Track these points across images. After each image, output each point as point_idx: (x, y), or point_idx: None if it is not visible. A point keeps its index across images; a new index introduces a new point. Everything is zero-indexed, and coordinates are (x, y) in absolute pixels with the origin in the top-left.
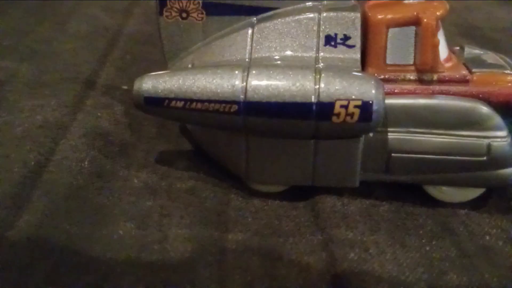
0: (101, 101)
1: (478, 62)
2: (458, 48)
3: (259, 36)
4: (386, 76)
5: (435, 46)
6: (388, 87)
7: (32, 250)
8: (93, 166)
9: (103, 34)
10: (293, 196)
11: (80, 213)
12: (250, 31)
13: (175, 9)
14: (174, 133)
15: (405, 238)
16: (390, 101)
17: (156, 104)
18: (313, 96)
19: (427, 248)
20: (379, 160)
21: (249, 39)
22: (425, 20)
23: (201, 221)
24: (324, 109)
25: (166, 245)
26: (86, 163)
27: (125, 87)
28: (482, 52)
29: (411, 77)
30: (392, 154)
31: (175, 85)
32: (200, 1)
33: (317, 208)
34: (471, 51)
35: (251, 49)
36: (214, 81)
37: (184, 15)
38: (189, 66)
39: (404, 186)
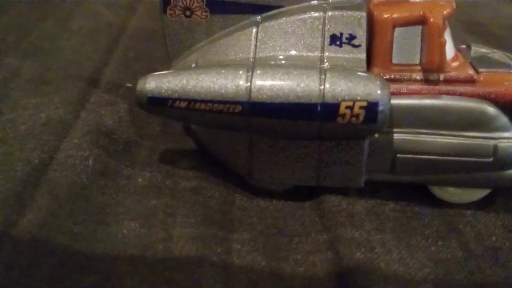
0: (105, 99)
1: (485, 62)
2: (464, 46)
3: (263, 35)
4: (392, 76)
5: (442, 45)
6: (394, 87)
7: (36, 249)
8: (97, 164)
9: (107, 30)
10: (298, 195)
11: (84, 212)
12: (254, 30)
13: (179, 8)
14: (178, 132)
15: (411, 238)
16: (395, 101)
17: (159, 104)
18: (318, 97)
19: (433, 249)
20: (385, 160)
21: (253, 38)
22: (431, 19)
23: (206, 220)
24: (329, 110)
25: (170, 244)
26: (90, 161)
27: (128, 85)
28: (489, 51)
29: (417, 77)
30: (398, 155)
31: (179, 85)
32: (204, 0)
33: (322, 207)
34: (478, 49)
35: (256, 48)
36: (218, 81)
37: (188, 13)
38: (193, 65)
39: (409, 185)
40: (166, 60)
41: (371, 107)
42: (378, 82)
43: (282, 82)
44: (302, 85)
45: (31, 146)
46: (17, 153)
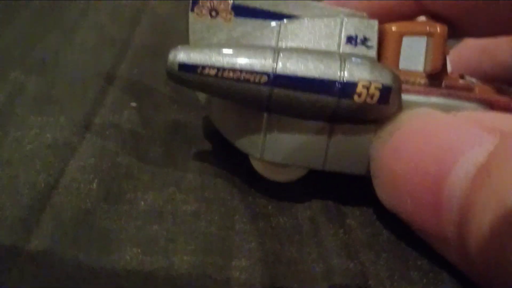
0: (109, 120)
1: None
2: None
3: (285, 30)
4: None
5: (445, 53)
6: (402, 86)
7: (41, 277)
8: (101, 188)
9: (111, 45)
10: (297, 220)
11: (87, 238)
12: (277, 27)
13: (206, 8)
14: (180, 155)
15: (404, 269)
16: (404, 97)
17: (190, 70)
18: (338, 75)
19: (425, 281)
20: None
21: (275, 32)
22: (438, 29)
23: (206, 247)
24: (348, 87)
25: (171, 272)
26: (94, 185)
27: (133, 105)
28: (478, 81)
29: (421, 82)
30: None
31: (210, 54)
32: (230, 2)
33: (319, 235)
34: (470, 79)
35: (278, 40)
36: (247, 53)
37: (213, 14)
38: None
39: None
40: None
41: (385, 89)
42: (391, 71)
43: (306, 59)
44: (325, 62)
45: (37, 168)
46: (23, 176)
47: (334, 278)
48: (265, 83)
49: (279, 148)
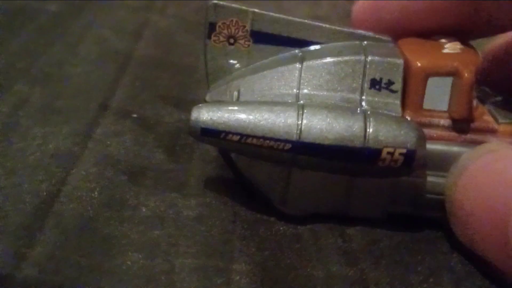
0: (111, 129)
1: (502, 111)
2: (480, 92)
3: (307, 73)
4: (421, 120)
5: (472, 99)
6: (424, 131)
7: (44, 282)
8: (103, 195)
9: (113, 57)
10: (296, 229)
11: (90, 244)
12: (298, 66)
13: (224, 35)
14: (182, 161)
15: (404, 274)
16: (428, 146)
17: (212, 135)
18: (362, 142)
19: (425, 285)
20: (410, 197)
21: (297, 75)
22: (466, 74)
23: (207, 251)
24: (372, 154)
25: (172, 276)
26: (96, 193)
27: (135, 115)
28: (500, 98)
29: (445, 124)
30: (424, 195)
31: (233, 119)
32: (249, 29)
33: (319, 243)
34: (491, 97)
35: (299, 85)
36: (271, 118)
37: (231, 41)
38: (235, 93)
39: (403, 222)
40: (173, 89)
41: (410, 154)
42: (417, 132)
43: (330, 125)
44: (349, 129)
45: (40, 177)
46: (26, 185)
47: (332, 284)
48: (289, 150)
49: (302, 199)
